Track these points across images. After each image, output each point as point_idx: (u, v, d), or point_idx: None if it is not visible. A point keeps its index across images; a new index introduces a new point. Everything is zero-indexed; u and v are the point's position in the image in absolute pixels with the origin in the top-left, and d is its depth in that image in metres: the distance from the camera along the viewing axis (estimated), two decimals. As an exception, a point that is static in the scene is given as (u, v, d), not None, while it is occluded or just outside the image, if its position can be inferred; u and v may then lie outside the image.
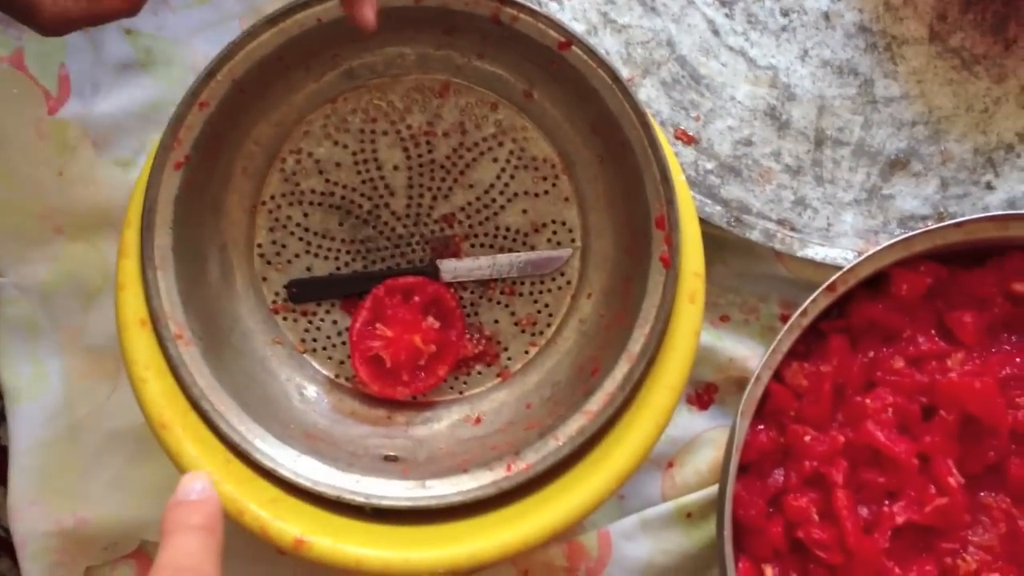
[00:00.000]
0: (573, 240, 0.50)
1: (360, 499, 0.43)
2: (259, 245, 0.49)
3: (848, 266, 0.48)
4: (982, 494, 0.48)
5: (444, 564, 0.43)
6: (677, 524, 0.52)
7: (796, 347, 0.49)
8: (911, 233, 0.48)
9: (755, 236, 0.54)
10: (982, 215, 0.48)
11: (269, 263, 0.49)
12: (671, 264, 0.44)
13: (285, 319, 0.50)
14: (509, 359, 0.50)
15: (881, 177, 0.57)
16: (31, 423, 0.51)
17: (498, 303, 0.50)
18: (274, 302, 0.49)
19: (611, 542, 0.52)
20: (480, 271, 0.50)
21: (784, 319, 0.55)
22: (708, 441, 0.54)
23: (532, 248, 0.50)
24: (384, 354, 0.48)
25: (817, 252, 0.54)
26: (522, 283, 0.50)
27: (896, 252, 0.48)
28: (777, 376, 0.48)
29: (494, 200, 0.51)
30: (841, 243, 0.54)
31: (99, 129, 0.54)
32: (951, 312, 0.49)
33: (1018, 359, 0.49)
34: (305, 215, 0.50)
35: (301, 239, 0.50)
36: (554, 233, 0.50)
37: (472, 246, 0.50)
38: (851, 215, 0.55)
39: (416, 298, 0.49)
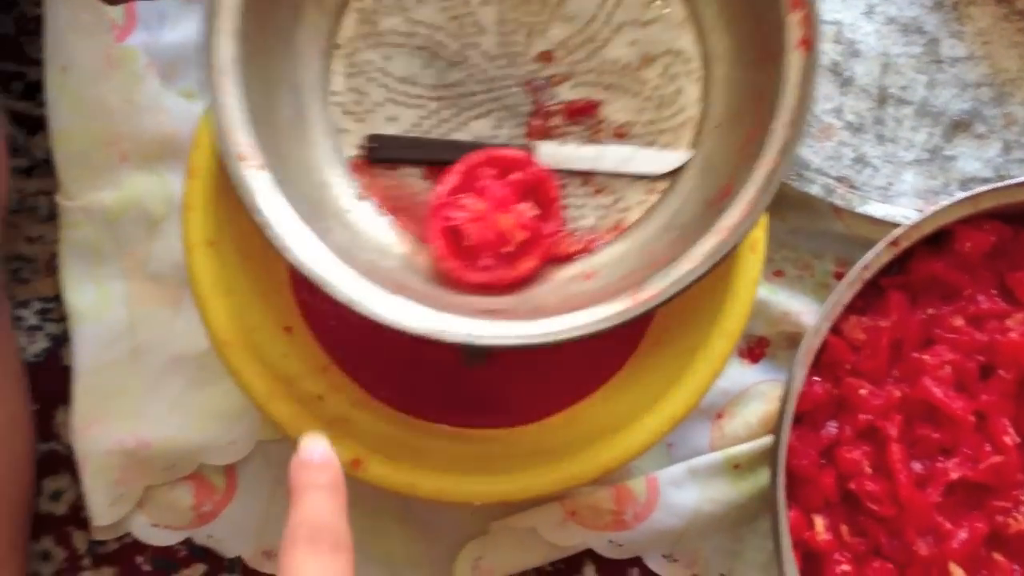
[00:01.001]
0: (691, 72, 0.44)
1: (459, 338, 0.36)
2: (334, 92, 0.43)
3: (912, 222, 0.47)
4: (1041, 456, 0.48)
5: (496, 494, 0.44)
6: (725, 474, 0.53)
7: (855, 301, 0.49)
8: (979, 190, 0.48)
9: (815, 191, 0.54)
10: (1052, 174, 0.48)
11: (347, 113, 0.44)
12: (811, 46, 0.38)
13: (365, 176, 0.43)
14: (625, 209, 0.43)
15: (943, 138, 0.56)
16: (94, 344, 0.51)
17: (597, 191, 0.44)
18: (353, 157, 0.43)
19: (658, 488, 0.52)
20: (582, 161, 0.43)
21: (839, 276, 0.55)
22: (758, 394, 0.55)
23: (645, 100, 0.44)
24: (468, 228, 0.41)
25: (878, 209, 0.54)
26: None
27: (962, 209, 0.48)
28: (835, 329, 0.48)
29: (598, 32, 0.44)
30: (901, 202, 0.54)
31: (164, 59, 0.54)
32: (1013, 272, 0.49)
33: (1079, 322, 0.49)
34: (386, 58, 0.44)
35: (382, 86, 0.44)
36: (666, 67, 0.44)
37: (574, 87, 0.44)
38: (911, 175, 0.55)
39: (516, 175, 0.42)
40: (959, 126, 0.56)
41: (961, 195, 0.48)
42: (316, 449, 0.33)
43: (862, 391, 0.48)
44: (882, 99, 0.56)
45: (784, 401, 0.47)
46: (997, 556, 0.48)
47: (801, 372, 0.46)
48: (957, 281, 0.49)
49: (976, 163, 0.55)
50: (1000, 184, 0.48)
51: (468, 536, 0.52)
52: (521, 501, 0.44)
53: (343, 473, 0.33)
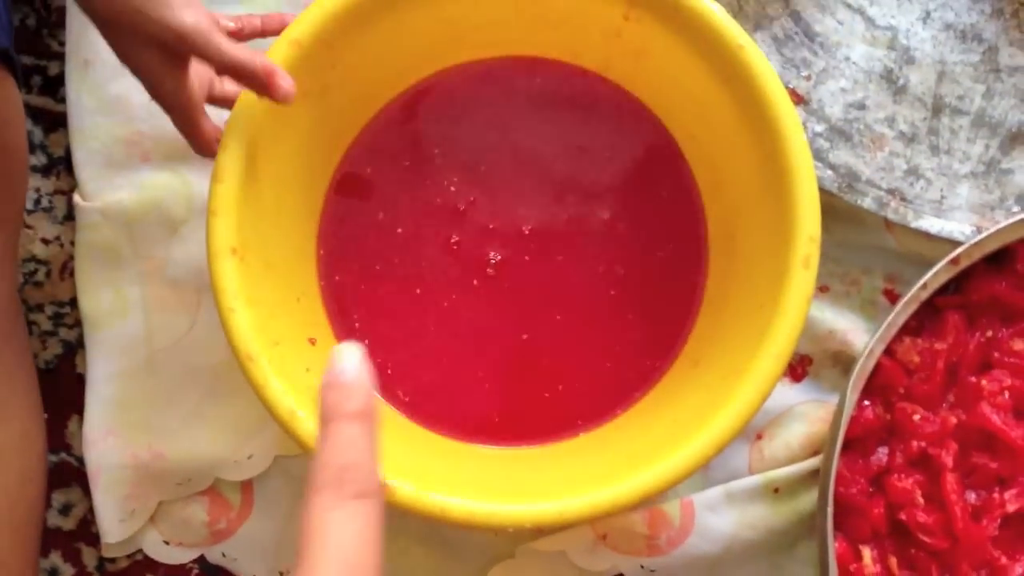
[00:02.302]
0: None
1: None
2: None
3: (973, 240, 0.45)
4: (1098, 488, 0.45)
5: (530, 519, 0.41)
6: (764, 498, 0.50)
7: (909, 322, 0.46)
8: (1043, 206, 0.45)
9: (867, 204, 0.51)
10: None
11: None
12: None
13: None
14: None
15: (1000, 150, 0.53)
16: (109, 352, 0.49)
17: None
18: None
19: (694, 512, 0.50)
20: None
21: (888, 293, 0.52)
22: (800, 415, 0.52)
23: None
24: None
25: (933, 224, 0.51)
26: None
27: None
28: (888, 351, 0.46)
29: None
30: (955, 216, 0.52)
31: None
32: (1078, 293, 0.46)
33: None
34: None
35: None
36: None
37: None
38: (966, 188, 0.52)
39: None
40: (1017, 138, 0.53)
41: (1021, 213, 0.45)
42: (348, 365, 0.28)
43: (916, 416, 0.45)
44: (937, 108, 0.54)
45: (834, 425, 0.44)
46: (1057, 594, 0.45)
47: (854, 396, 0.44)
48: (1018, 302, 0.46)
49: (1034, 177, 0.53)
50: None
51: (494, 559, 0.50)
52: (554, 526, 0.42)
53: (375, 391, 0.28)
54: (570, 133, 0.49)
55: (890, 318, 0.45)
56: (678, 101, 0.47)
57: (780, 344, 0.42)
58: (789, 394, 0.53)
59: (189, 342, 0.50)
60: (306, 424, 0.41)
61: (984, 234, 0.45)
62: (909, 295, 0.44)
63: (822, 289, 0.53)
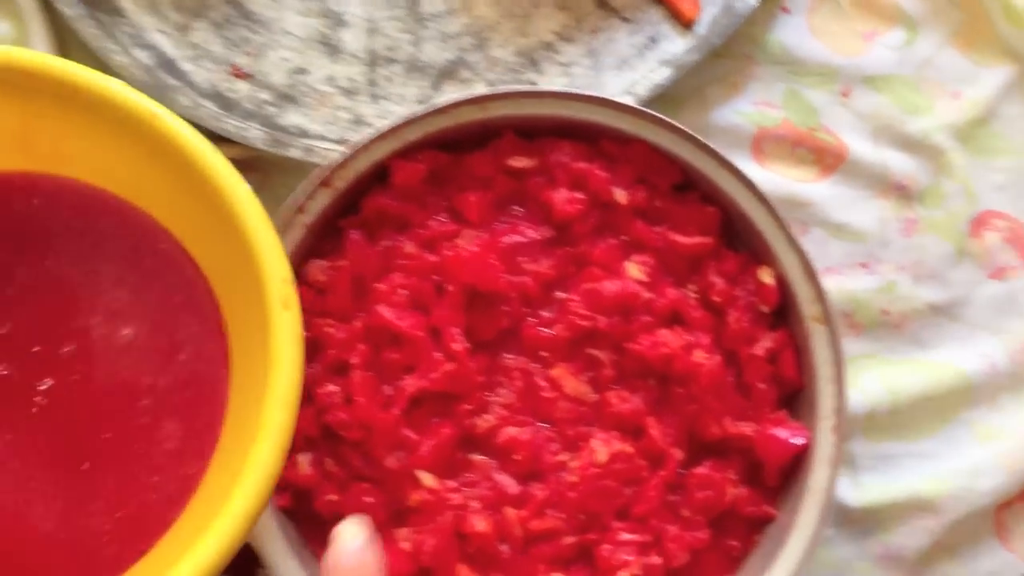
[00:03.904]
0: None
1: None
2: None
3: (336, 160, 0.50)
4: (509, 357, 0.51)
5: None
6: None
7: (321, 247, 0.52)
8: (400, 121, 0.51)
9: (294, 153, 0.57)
10: (461, 97, 0.51)
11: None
12: None
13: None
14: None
15: (433, 87, 0.60)
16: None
17: None
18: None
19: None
20: None
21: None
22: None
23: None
24: None
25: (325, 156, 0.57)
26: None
27: (389, 143, 0.51)
28: (297, 278, 0.51)
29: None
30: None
31: None
32: (459, 195, 0.52)
33: (524, 229, 0.52)
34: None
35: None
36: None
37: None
38: (405, 125, 0.58)
39: None
40: (445, 75, 0.60)
41: (382, 128, 0.50)
42: (352, 546, 0.25)
43: (329, 329, 0.51)
44: (372, 62, 0.60)
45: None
46: (475, 456, 0.50)
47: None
48: (405, 212, 0.52)
49: (468, 105, 0.59)
50: (420, 113, 0.51)
51: None
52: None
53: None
54: (71, 255, 0.47)
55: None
56: (140, 187, 0.46)
57: (283, 390, 0.40)
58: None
59: None
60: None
61: (347, 153, 0.50)
62: (283, 221, 0.50)
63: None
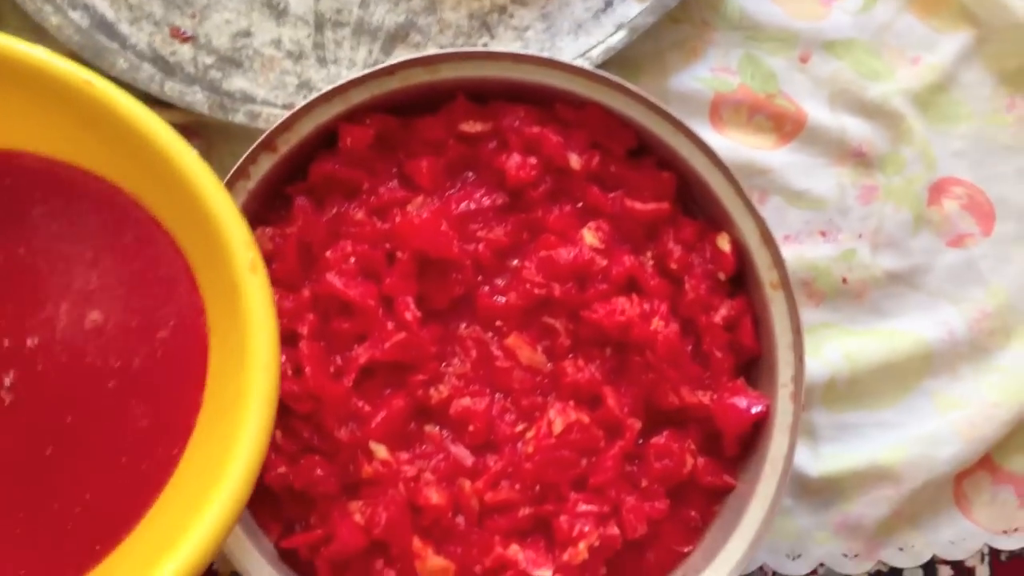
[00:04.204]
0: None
1: None
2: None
3: (278, 122, 0.49)
4: (462, 326, 0.50)
5: None
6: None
7: (267, 215, 0.50)
8: (344, 81, 0.49)
9: (238, 119, 0.55)
10: (410, 58, 0.50)
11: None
12: None
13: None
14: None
15: (383, 51, 0.58)
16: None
17: None
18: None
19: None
20: None
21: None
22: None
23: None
24: None
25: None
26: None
27: (335, 106, 0.50)
28: (243, 244, 0.49)
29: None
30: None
31: None
32: (409, 160, 0.51)
33: (477, 195, 0.50)
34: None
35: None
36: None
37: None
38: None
39: None
40: (396, 38, 0.58)
41: (327, 89, 0.49)
42: None
43: (275, 297, 0.49)
44: (319, 25, 0.58)
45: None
46: (429, 428, 0.49)
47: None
48: (354, 177, 0.50)
49: (420, 70, 0.57)
50: (367, 72, 0.49)
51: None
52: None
53: None
54: (46, 235, 0.45)
55: (223, 212, 0.48)
56: (92, 157, 0.44)
57: (264, 355, 0.40)
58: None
59: None
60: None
61: (289, 114, 0.48)
62: (235, 186, 0.48)
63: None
